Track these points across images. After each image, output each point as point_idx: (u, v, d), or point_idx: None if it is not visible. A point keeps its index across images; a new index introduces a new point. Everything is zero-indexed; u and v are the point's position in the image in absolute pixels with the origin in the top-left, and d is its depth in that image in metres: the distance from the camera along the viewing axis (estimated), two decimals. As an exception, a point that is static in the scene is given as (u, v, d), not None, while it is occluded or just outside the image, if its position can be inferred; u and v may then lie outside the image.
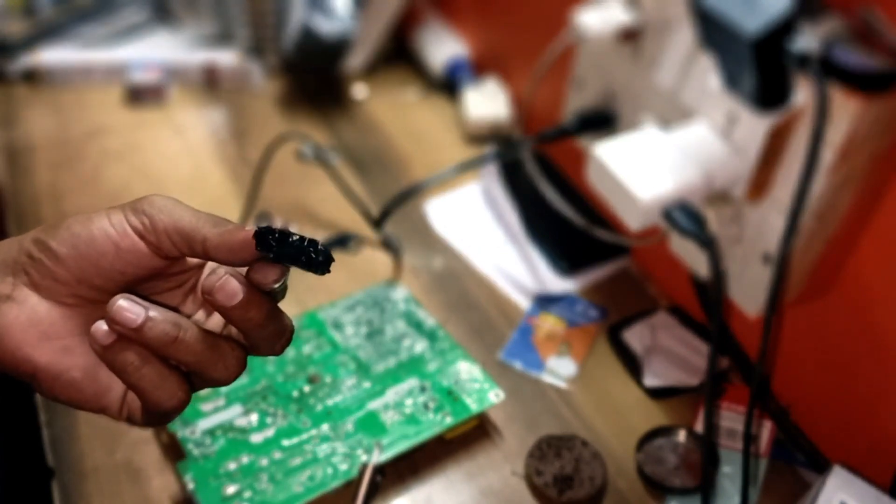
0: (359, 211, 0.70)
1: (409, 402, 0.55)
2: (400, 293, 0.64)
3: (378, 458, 0.50)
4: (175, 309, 0.37)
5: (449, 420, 0.54)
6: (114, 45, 0.93)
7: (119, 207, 0.36)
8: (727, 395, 0.59)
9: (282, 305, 0.36)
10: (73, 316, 0.36)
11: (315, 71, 0.89)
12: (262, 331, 0.35)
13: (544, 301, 0.68)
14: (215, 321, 0.38)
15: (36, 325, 0.35)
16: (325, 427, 0.53)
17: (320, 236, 0.71)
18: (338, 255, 0.70)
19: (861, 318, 0.51)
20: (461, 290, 0.68)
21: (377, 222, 0.69)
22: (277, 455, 0.51)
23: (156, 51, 0.90)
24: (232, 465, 0.50)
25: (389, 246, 0.69)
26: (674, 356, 0.62)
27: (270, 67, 0.92)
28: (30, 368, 0.35)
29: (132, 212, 0.35)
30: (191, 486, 0.49)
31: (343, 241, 0.55)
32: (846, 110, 0.42)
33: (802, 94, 0.45)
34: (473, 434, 0.56)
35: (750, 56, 0.40)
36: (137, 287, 0.37)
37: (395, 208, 0.68)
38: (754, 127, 0.46)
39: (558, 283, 0.69)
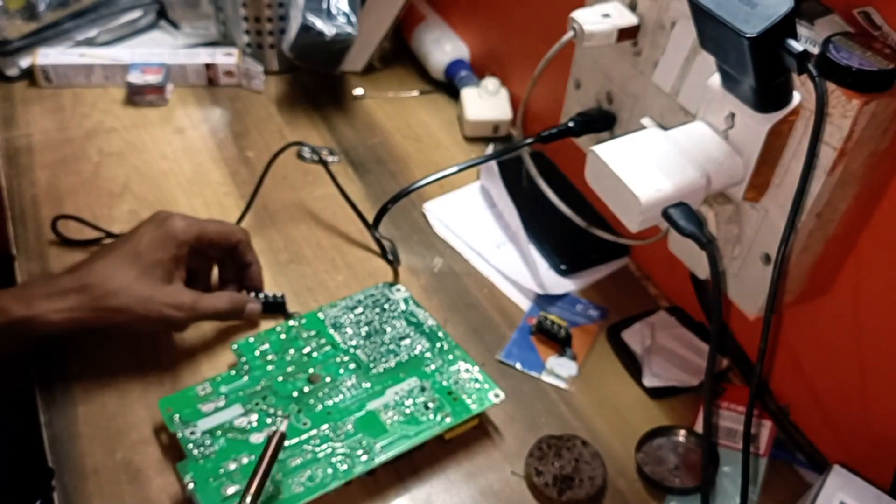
0: (356, 212, 0.70)
1: (409, 402, 0.55)
2: (400, 293, 0.64)
3: (286, 427, 0.50)
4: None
5: (449, 420, 0.54)
6: (114, 45, 0.93)
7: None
8: (727, 395, 0.59)
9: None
10: None
11: (315, 71, 0.89)
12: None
13: (544, 301, 0.68)
14: None
15: None
16: (324, 427, 0.53)
17: (319, 237, 0.71)
18: (339, 255, 0.70)
19: (860, 318, 0.51)
20: (461, 290, 0.68)
21: (375, 223, 0.69)
22: (277, 455, 0.51)
23: (156, 51, 0.90)
24: (232, 465, 0.50)
25: (384, 254, 0.69)
26: (673, 356, 0.62)
27: (270, 67, 0.92)
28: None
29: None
30: (191, 486, 0.49)
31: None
32: (846, 110, 0.42)
33: (801, 93, 0.45)
34: (473, 434, 0.56)
35: (749, 56, 0.40)
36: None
37: (391, 207, 0.68)
38: (754, 127, 0.46)
39: (558, 283, 0.69)
